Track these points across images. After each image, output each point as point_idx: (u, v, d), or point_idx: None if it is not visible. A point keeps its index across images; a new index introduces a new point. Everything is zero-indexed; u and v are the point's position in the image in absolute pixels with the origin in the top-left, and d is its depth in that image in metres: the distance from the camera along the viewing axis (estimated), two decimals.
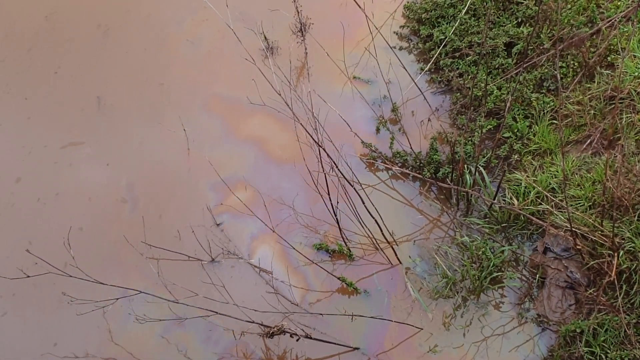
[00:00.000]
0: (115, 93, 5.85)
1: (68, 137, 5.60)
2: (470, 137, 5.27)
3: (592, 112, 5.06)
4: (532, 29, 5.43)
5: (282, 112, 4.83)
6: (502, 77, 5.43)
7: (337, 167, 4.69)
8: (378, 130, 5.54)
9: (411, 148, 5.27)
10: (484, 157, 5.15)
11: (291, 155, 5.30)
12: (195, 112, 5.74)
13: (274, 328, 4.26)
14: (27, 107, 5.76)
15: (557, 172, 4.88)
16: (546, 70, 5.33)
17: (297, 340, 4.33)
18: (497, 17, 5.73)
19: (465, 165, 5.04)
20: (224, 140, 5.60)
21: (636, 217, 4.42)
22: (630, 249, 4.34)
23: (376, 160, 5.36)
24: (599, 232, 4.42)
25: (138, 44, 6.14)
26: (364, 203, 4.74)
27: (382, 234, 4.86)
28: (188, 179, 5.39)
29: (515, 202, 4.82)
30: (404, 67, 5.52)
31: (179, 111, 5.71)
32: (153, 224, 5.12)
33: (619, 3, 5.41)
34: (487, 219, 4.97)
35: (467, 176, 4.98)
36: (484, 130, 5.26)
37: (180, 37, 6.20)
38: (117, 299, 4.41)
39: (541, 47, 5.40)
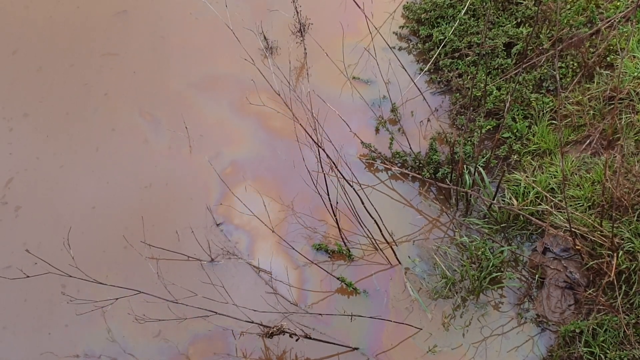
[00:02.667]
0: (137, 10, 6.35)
1: (105, 48, 6.14)
2: (469, 137, 5.27)
3: (592, 112, 5.06)
4: (531, 29, 5.44)
5: (282, 113, 4.84)
6: (501, 78, 5.43)
7: (336, 167, 4.69)
8: (377, 130, 5.54)
9: (410, 148, 5.27)
10: (483, 157, 5.15)
11: (291, 155, 5.30)
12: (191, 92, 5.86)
13: (273, 328, 4.26)
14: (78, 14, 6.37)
15: (557, 172, 4.88)
16: (545, 70, 5.33)
17: (297, 340, 4.33)
18: (497, 18, 5.73)
19: (465, 166, 5.04)
20: (218, 128, 5.64)
21: (635, 218, 4.43)
22: (630, 249, 4.34)
23: (375, 161, 5.36)
24: (598, 232, 4.43)
25: None
26: (363, 203, 4.74)
27: (382, 234, 4.87)
28: (188, 179, 5.39)
29: (515, 202, 4.83)
30: (404, 68, 5.52)
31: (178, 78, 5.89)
32: (152, 224, 5.12)
33: (618, 3, 5.42)
34: (486, 219, 4.97)
35: (467, 176, 4.99)
36: (483, 131, 5.26)
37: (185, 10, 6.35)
38: (117, 298, 4.41)
39: (540, 48, 5.41)
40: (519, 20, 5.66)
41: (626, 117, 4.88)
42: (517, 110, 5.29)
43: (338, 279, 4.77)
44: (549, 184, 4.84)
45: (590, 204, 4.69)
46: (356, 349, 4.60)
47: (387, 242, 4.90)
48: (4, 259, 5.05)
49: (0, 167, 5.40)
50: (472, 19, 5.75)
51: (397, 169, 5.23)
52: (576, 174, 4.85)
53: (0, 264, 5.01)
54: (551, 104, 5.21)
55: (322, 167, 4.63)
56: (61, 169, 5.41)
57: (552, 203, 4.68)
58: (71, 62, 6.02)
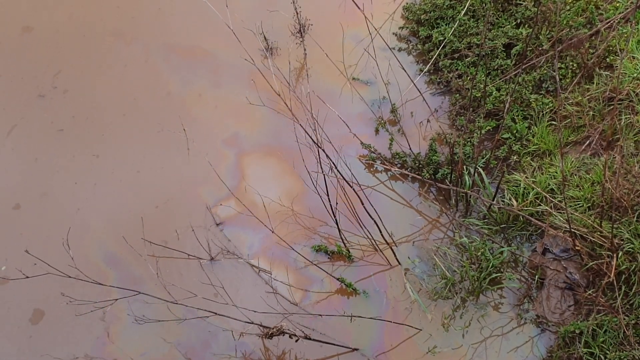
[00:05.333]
0: None
1: None
2: (469, 138, 5.27)
3: (591, 113, 5.07)
4: (531, 30, 5.44)
5: (282, 113, 4.84)
6: (501, 78, 5.44)
7: (336, 168, 4.69)
8: (377, 131, 5.54)
9: (410, 149, 5.27)
10: (483, 158, 5.15)
11: (291, 156, 5.30)
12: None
13: (273, 329, 4.26)
14: None
15: (556, 173, 4.88)
16: (545, 71, 5.34)
17: (296, 341, 4.32)
18: (496, 19, 5.74)
19: (464, 166, 5.04)
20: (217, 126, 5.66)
21: (635, 218, 4.43)
22: (629, 249, 4.34)
23: (375, 161, 5.36)
24: (598, 233, 4.43)
25: None
26: (363, 204, 4.74)
27: (381, 235, 4.87)
28: (187, 179, 5.38)
29: (514, 203, 4.83)
30: (403, 68, 5.52)
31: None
32: (152, 224, 5.11)
33: (617, 4, 5.42)
34: (486, 220, 4.97)
35: (466, 177, 4.99)
36: (483, 132, 5.26)
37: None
38: (116, 299, 4.40)
39: (540, 49, 5.41)
40: (518, 21, 5.67)
41: (626, 118, 4.88)
42: (517, 111, 5.29)
43: (338, 279, 4.77)
44: (549, 185, 4.84)
45: (589, 204, 4.69)
46: (356, 349, 4.60)
47: (387, 243, 4.89)
48: (2, 259, 5.06)
49: (50, 60, 6.25)
50: (472, 19, 5.75)
51: (397, 169, 5.24)
52: (576, 175, 4.86)
53: None
54: (551, 104, 5.21)
55: (321, 167, 4.63)
56: (99, 68, 6.18)
57: (552, 204, 4.68)
58: None
